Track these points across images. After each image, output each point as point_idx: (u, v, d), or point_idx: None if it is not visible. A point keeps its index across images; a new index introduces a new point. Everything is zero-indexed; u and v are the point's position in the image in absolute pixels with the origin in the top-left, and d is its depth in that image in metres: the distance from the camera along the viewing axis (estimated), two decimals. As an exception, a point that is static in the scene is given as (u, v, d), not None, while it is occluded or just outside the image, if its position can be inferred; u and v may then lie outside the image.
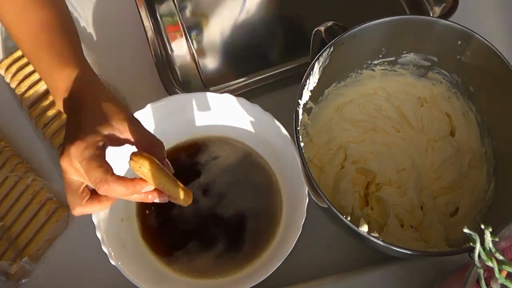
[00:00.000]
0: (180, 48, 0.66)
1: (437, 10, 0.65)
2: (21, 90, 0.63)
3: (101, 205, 0.43)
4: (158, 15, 0.68)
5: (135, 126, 0.44)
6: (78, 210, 0.43)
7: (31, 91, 0.63)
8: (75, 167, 0.41)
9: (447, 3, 0.63)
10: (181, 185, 0.42)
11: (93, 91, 0.45)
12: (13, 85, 0.64)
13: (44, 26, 0.46)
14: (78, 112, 0.43)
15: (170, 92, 0.59)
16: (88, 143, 0.40)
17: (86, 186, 0.43)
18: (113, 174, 0.40)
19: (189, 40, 0.66)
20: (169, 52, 0.66)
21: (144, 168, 0.40)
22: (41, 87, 0.63)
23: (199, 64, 0.65)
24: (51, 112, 0.62)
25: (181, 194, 0.42)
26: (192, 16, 0.69)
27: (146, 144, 0.44)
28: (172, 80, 0.60)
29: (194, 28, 0.68)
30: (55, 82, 0.45)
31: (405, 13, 0.67)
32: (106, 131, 0.42)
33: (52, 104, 0.63)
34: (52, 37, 0.46)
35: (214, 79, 0.64)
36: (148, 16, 0.64)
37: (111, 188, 0.40)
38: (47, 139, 0.62)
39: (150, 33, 0.63)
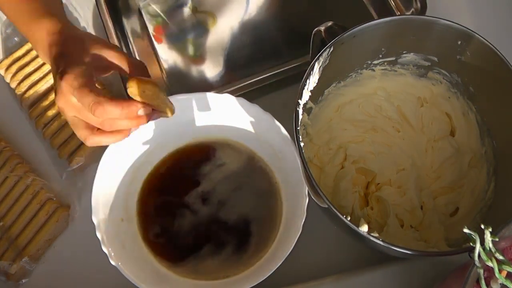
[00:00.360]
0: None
1: (406, 13, 0.65)
2: (21, 90, 0.64)
3: (113, 135, 0.44)
4: (126, 31, 0.69)
5: (115, 51, 0.47)
6: (91, 140, 0.44)
7: (31, 91, 0.63)
8: (71, 103, 0.42)
9: (415, 7, 0.64)
10: (166, 97, 0.45)
11: (73, 34, 0.47)
12: (13, 85, 0.64)
13: None
14: (61, 52, 0.45)
15: None
16: (75, 74, 0.42)
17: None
18: (105, 96, 0.41)
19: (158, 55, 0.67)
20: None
21: (134, 88, 0.42)
22: (41, 87, 0.64)
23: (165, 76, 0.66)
24: (51, 112, 0.62)
25: (168, 105, 0.45)
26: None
27: (129, 65, 0.47)
28: None
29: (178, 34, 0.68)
30: (35, 33, 0.47)
31: (373, 17, 0.67)
32: (88, 60, 0.44)
33: (52, 104, 0.63)
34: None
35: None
36: (115, 30, 0.65)
37: (106, 110, 0.41)
38: (47, 139, 0.62)
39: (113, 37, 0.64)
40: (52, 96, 0.63)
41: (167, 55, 0.67)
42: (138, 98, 0.42)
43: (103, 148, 0.59)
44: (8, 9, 0.51)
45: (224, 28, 0.67)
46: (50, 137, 0.62)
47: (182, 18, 0.69)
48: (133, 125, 0.43)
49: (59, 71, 0.43)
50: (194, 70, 0.66)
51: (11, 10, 0.51)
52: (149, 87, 0.43)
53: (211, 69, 0.65)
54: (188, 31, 0.68)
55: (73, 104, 0.42)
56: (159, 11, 0.69)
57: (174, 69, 0.66)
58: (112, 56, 0.47)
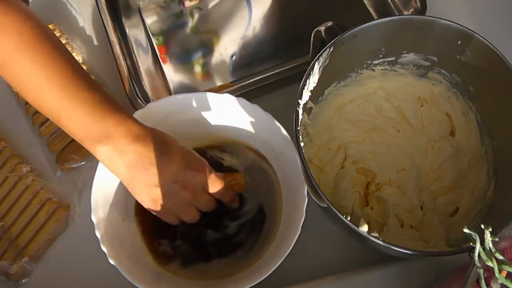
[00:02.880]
0: (146, 60, 0.67)
1: (406, 13, 0.65)
2: None
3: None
4: (125, 29, 0.68)
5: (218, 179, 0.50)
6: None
7: None
8: (194, 195, 0.49)
9: (415, 7, 0.64)
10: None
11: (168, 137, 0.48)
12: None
13: (75, 74, 0.44)
14: (178, 152, 0.47)
15: (133, 104, 0.60)
16: (211, 170, 0.49)
17: None
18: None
19: (155, 50, 0.67)
20: (136, 64, 0.66)
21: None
22: None
23: (165, 75, 0.66)
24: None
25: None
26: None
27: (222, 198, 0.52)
28: (134, 92, 0.61)
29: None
30: (105, 126, 0.44)
31: (373, 17, 0.67)
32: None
33: None
34: (87, 85, 0.45)
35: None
36: (116, 30, 0.65)
37: (234, 197, 0.54)
38: (44, 136, 0.62)
39: (116, 47, 0.63)
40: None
41: (172, 74, 0.66)
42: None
43: None
44: (53, 97, 0.44)
45: (228, 41, 0.67)
46: (47, 136, 0.62)
47: (184, 39, 0.68)
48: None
49: (190, 165, 0.47)
50: (200, 80, 0.66)
51: (59, 98, 0.44)
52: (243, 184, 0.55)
53: (218, 77, 0.65)
54: (191, 52, 0.67)
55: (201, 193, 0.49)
56: (159, 31, 0.68)
57: (177, 77, 0.66)
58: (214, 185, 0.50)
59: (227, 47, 0.67)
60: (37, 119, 0.62)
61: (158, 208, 0.48)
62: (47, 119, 0.62)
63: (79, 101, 0.44)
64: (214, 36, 0.68)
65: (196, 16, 0.69)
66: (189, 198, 0.48)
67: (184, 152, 0.48)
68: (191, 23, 0.68)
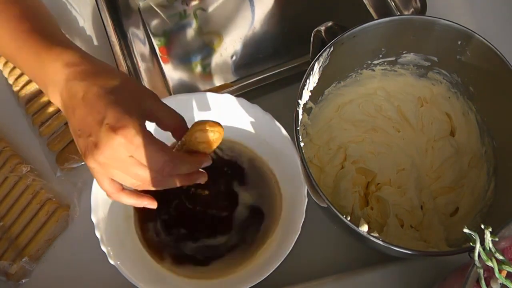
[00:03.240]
0: (146, 60, 0.67)
1: (406, 13, 0.65)
2: (18, 85, 0.63)
3: (142, 200, 0.43)
4: (125, 29, 0.68)
5: (165, 105, 0.42)
6: (119, 197, 0.42)
7: (28, 87, 0.63)
8: (119, 159, 0.37)
9: (415, 7, 0.64)
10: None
11: (104, 70, 0.40)
12: (10, 80, 0.64)
13: (23, 16, 0.43)
14: (98, 94, 0.37)
15: None
16: (135, 129, 0.37)
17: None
18: (174, 152, 0.39)
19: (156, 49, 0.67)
20: (136, 64, 0.66)
21: (216, 133, 0.41)
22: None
23: (165, 75, 0.65)
24: (48, 110, 0.62)
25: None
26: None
27: (175, 122, 0.43)
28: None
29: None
30: (45, 66, 0.40)
31: (373, 17, 0.67)
32: (137, 107, 0.39)
33: (49, 102, 0.62)
34: (34, 25, 0.43)
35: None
36: (116, 30, 0.65)
37: (176, 167, 0.39)
38: (44, 137, 0.62)
39: (116, 47, 0.63)
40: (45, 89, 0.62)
41: (172, 74, 0.66)
42: (205, 146, 0.41)
43: None
44: (8, 45, 0.43)
45: (230, 42, 0.67)
46: (47, 136, 0.62)
47: (187, 39, 0.68)
48: (184, 183, 0.41)
49: (107, 122, 0.37)
50: (200, 81, 0.66)
51: (11, 45, 0.43)
52: (219, 129, 0.41)
53: (218, 77, 0.65)
54: (194, 53, 0.67)
55: (121, 160, 0.37)
56: (161, 32, 0.68)
57: (177, 77, 0.66)
58: (156, 106, 0.41)
59: (228, 47, 0.67)
60: (37, 119, 0.62)
61: (89, 163, 0.39)
62: (47, 119, 0.62)
63: (22, 43, 0.42)
64: (217, 36, 0.67)
65: (199, 16, 0.69)
66: (124, 144, 0.37)
67: (130, 93, 0.40)
68: (194, 23, 0.68)
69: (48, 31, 0.43)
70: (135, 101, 0.39)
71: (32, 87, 0.63)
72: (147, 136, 0.38)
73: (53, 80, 0.40)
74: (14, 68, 0.64)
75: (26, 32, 0.43)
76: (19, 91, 0.63)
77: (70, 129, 0.40)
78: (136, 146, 0.37)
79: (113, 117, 0.37)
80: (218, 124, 0.42)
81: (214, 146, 0.42)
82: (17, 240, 0.56)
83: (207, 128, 0.41)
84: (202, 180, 0.44)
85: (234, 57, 0.66)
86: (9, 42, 0.43)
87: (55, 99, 0.41)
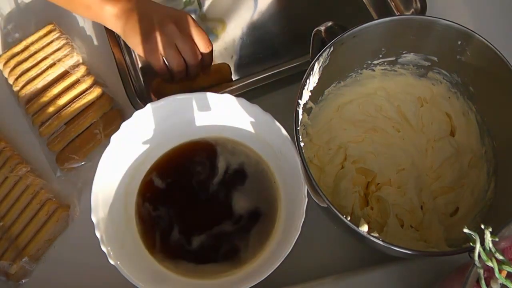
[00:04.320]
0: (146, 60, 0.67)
1: (406, 13, 0.65)
2: (18, 85, 0.63)
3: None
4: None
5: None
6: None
7: (28, 87, 0.63)
8: (183, 31, 0.56)
9: (415, 7, 0.64)
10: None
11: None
12: (10, 80, 0.64)
13: None
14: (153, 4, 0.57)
15: (133, 104, 0.60)
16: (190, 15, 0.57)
17: None
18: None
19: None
20: (136, 64, 0.66)
21: None
22: (38, 83, 0.63)
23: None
24: (48, 110, 0.62)
25: None
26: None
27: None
28: (134, 92, 0.61)
29: None
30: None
31: (373, 17, 0.67)
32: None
33: (50, 102, 0.62)
34: None
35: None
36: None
37: (209, 43, 0.58)
38: (44, 137, 0.62)
39: (116, 47, 0.64)
40: (49, 93, 0.62)
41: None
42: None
43: (98, 148, 0.60)
44: None
45: (232, 32, 0.67)
46: (47, 136, 0.62)
47: None
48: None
49: (177, 14, 0.56)
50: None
51: None
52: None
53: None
54: None
55: (185, 34, 0.55)
56: None
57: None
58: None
59: (227, 47, 0.67)
60: (37, 119, 0.62)
61: (145, 42, 0.55)
62: (47, 119, 0.62)
63: None
64: (220, 23, 0.68)
65: (195, 15, 0.69)
66: (175, 31, 0.54)
67: (169, 9, 0.57)
68: (198, 10, 0.69)
69: None
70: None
71: (32, 87, 0.63)
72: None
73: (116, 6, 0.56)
74: (14, 68, 0.64)
75: None
76: (19, 91, 0.63)
77: (135, 16, 0.56)
78: (195, 23, 0.57)
79: (180, 12, 0.57)
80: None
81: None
82: (17, 240, 0.56)
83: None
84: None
85: (233, 57, 0.66)
86: None
87: (112, 12, 0.57)
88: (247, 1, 0.70)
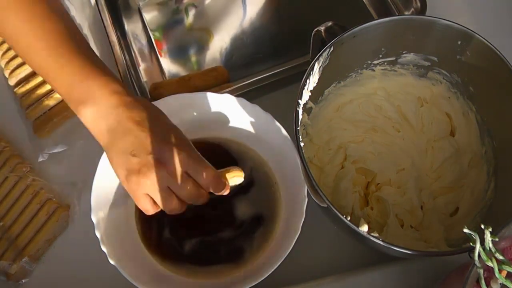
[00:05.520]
0: (146, 60, 0.67)
1: (406, 13, 0.65)
2: (9, 68, 0.64)
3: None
4: (125, 29, 0.69)
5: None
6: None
7: (18, 71, 0.64)
8: (175, 173, 0.44)
9: (415, 7, 0.64)
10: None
11: (147, 105, 0.46)
12: (11, 82, 0.64)
13: (65, 35, 0.45)
14: (149, 117, 0.44)
15: None
16: (190, 146, 0.45)
17: None
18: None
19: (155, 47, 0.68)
20: (136, 65, 0.66)
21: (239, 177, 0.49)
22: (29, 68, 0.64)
23: (165, 75, 0.66)
24: (49, 115, 0.63)
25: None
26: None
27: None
28: (134, 92, 0.61)
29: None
30: (95, 94, 0.44)
31: (373, 17, 0.67)
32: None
33: (39, 85, 0.63)
34: (78, 46, 0.45)
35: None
36: (116, 30, 0.65)
37: (220, 184, 0.47)
38: (30, 120, 0.63)
39: (116, 48, 0.63)
40: (38, 79, 0.63)
41: (172, 74, 0.66)
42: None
43: (83, 133, 0.60)
44: (43, 57, 0.45)
45: (222, 39, 0.67)
46: (33, 119, 0.63)
47: (180, 35, 0.68)
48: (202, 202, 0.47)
49: (170, 141, 0.44)
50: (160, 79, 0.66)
51: (47, 59, 0.45)
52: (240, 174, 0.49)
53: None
54: (187, 48, 0.67)
55: (178, 175, 0.44)
56: (156, 26, 0.69)
57: (175, 74, 0.66)
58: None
59: (227, 46, 0.67)
60: (25, 101, 0.63)
61: (132, 184, 0.43)
62: (48, 122, 0.62)
63: (65, 62, 0.44)
64: (207, 33, 0.68)
65: (191, 13, 0.69)
66: (165, 176, 0.43)
67: (168, 126, 0.46)
68: (186, 20, 0.69)
69: (91, 56, 0.46)
70: (166, 125, 0.47)
71: (34, 94, 0.63)
72: (198, 155, 0.47)
73: (98, 104, 0.44)
74: (14, 70, 0.64)
75: (70, 52, 0.45)
76: (21, 97, 0.64)
77: (116, 150, 0.44)
78: (193, 159, 0.45)
79: (174, 137, 0.45)
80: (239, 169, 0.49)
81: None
82: (17, 240, 0.56)
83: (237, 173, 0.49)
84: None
85: (233, 57, 0.66)
86: (47, 58, 0.45)
87: (91, 119, 0.44)
88: (243, 2, 0.70)
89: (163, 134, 0.44)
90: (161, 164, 0.43)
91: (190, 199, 0.45)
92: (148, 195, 0.44)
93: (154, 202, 0.45)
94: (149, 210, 0.45)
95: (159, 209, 0.45)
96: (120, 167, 0.43)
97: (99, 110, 0.43)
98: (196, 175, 0.45)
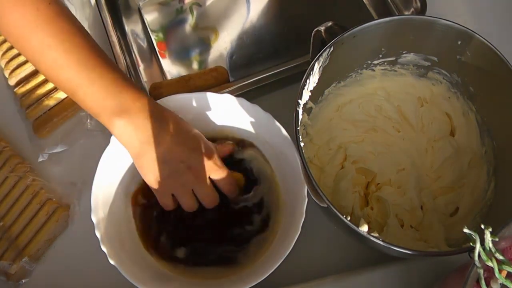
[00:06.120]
0: (146, 60, 0.67)
1: (406, 13, 0.65)
2: (9, 68, 0.64)
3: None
4: (125, 29, 0.69)
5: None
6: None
7: (18, 70, 0.64)
8: (201, 178, 0.50)
9: (415, 7, 0.64)
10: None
11: (174, 116, 0.50)
12: (11, 82, 0.64)
13: (94, 50, 0.46)
14: (179, 128, 0.49)
15: None
16: (216, 153, 0.51)
17: None
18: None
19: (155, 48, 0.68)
20: (136, 65, 0.66)
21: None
22: (29, 67, 0.64)
23: (165, 75, 0.66)
24: (49, 115, 0.63)
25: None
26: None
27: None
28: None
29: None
30: (128, 107, 0.46)
31: (373, 17, 0.67)
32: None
33: (39, 86, 0.63)
34: (106, 61, 0.46)
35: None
36: (116, 30, 0.65)
37: (235, 189, 0.53)
38: (30, 120, 0.63)
39: (116, 48, 0.63)
40: (39, 79, 0.64)
41: (172, 74, 0.66)
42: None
43: (82, 134, 0.61)
44: (73, 72, 0.45)
45: (226, 38, 0.68)
46: (33, 119, 0.63)
47: (184, 35, 0.68)
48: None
49: (197, 149, 0.49)
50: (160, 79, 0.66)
51: (78, 73, 0.45)
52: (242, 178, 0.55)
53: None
54: (190, 49, 0.68)
55: (204, 181, 0.50)
56: (159, 27, 0.69)
57: (176, 75, 0.66)
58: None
59: (228, 46, 0.67)
60: (25, 102, 0.63)
61: (159, 186, 0.48)
62: (48, 122, 0.62)
63: (97, 76, 0.45)
64: (213, 32, 0.68)
65: (196, 12, 0.69)
66: (192, 180, 0.49)
67: (196, 137, 0.50)
68: (190, 19, 0.69)
69: (119, 71, 0.48)
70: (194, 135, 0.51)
71: (34, 94, 0.63)
72: (221, 163, 0.52)
73: (132, 116, 0.46)
74: (14, 70, 0.64)
75: (101, 66, 0.46)
76: (21, 97, 0.64)
77: (148, 158, 0.47)
78: (218, 166, 0.51)
79: (203, 147, 0.50)
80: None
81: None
82: (17, 240, 0.56)
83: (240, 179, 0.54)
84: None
85: (233, 57, 0.66)
86: (78, 73, 0.45)
87: (124, 130, 0.46)
88: (247, 1, 0.70)
89: (191, 143, 0.49)
90: (189, 169, 0.48)
91: (209, 200, 0.51)
92: (173, 194, 0.50)
93: (174, 200, 0.51)
94: (170, 206, 0.51)
95: (176, 205, 0.52)
96: (152, 173, 0.48)
97: (133, 123, 0.46)
98: (217, 179, 0.51)
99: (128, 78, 0.48)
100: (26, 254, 0.56)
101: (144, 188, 0.56)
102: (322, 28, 0.49)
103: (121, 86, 0.46)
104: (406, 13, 0.65)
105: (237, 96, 0.54)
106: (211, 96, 0.54)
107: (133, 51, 0.67)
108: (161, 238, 0.54)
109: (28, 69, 0.64)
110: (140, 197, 0.55)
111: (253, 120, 0.55)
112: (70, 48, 0.45)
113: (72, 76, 0.45)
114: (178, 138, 0.48)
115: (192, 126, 0.51)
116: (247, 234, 0.54)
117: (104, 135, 0.61)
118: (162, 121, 0.47)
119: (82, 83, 0.45)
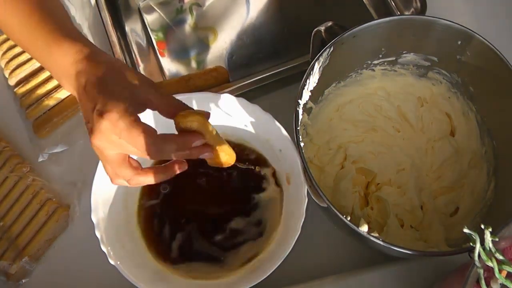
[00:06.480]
0: (146, 60, 0.67)
1: (406, 13, 0.65)
2: (10, 68, 0.64)
3: (159, 174, 0.43)
4: (125, 29, 0.69)
5: (155, 90, 0.43)
6: (135, 180, 0.42)
7: (18, 71, 0.64)
8: (113, 142, 0.39)
9: (415, 7, 0.64)
10: (226, 143, 0.43)
11: (105, 60, 0.42)
12: (11, 82, 0.65)
13: (34, 7, 0.45)
14: (94, 83, 0.40)
15: None
16: (119, 112, 0.38)
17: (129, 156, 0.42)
18: (157, 134, 0.40)
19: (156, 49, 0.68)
20: (136, 65, 0.66)
21: (194, 122, 0.41)
22: (29, 67, 0.64)
23: (165, 75, 0.66)
24: (49, 115, 0.63)
25: (226, 151, 0.43)
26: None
27: (169, 106, 0.43)
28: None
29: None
30: (57, 59, 0.43)
31: (373, 17, 0.67)
32: (127, 94, 0.41)
33: (38, 86, 0.63)
34: (44, 16, 0.44)
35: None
36: (116, 30, 0.65)
37: (161, 149, 0.40)
38: (31, 120, 0.63)
39: (116, 48, 0.63)
40: (39, 79, 0.64)
41: (172, 74, 0.67)
42: (196, 125, 0.41)
43: (82, 133, 0.60)
44: (20, 34, 0.45)
45: (225, 39, 0.68)
46: (33, 119, 0.63)
47: (183, 34, 0.68)
48: (185, 156, 0.42)
49: (97, 108, 0.39)
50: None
51: (23, 35, 0.44)
52: (197, 118, 0.41)
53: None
54: (190, 48, 0.68)
55: (115, 142, 0.39)
56: (159, 27, 0.69)
57: (176, 74, 0.66)
58: (152, 94, 0.42)
59: (228, 46, 0.67)
60: (25, 102, 0.63)
61: (93, 143, 0.40)
62: (48, 122, 0.62)
63: (37, 35, 0.44)
64: (212, 32, 0.68)
65: (196, 12, 0.69)
66: (109, 129, 0.39)
67: (115, 70, 0.42)
68: (190, 19, 0.69)
69: (57, 23, 0.45)
70: (127, 89, 0.41)
71: (34, 94, 0.63)
72: (131, 120, 0.39)
73: (66, 73, 0.42)
74: (14, 70, 0.64)
75: (36, 23, 0.44)
76: (21, 97, 0.64)
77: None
78: (120, 129, 0.38)
79: (101, 103, 0.39)
80: (198, 113, 0.42)
81: (203, 127, 0.42)
82: (17, 240, 0.56)
83: (180, 115, 0.42)
84: (200, 154, 0.43)
85: (233, 57, 0.66)
86: (21, 33, 0.45)
87: (70, 90, 0.43)
88: (247, 1, 0.70)
89: (114, 90, 0.40)
90: (103, 115, 0.39)
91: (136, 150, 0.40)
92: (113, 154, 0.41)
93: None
94: (112, 175, 0.43)
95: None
96: (87, 126, 0.41)
97: (68, 79, 0.42)
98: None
99: (64, 26, 0.44)
100: (26, 254, 0.56)
101: (144, 188, 0.56)
102: (322, 28, 0.49)
103: (53, 42, 0.43)
104: (406, 13, 0.65)
105: (237, 96, 0.54)
106: (211, 96, 0.54)
107: (133, 50, 0.67)
108: (161, 238, 0.54)
109: (28, 69, 0.64)
110: (140, 197, 0.55)
111: (253, 120, 0.55)
112: (16, 8, 0.45)
113: (23, 41, 0.45)
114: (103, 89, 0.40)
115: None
116: (247, 234, 0.54)
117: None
118: (88, 67, 0.41)
119: (31, 47, 0.45)
